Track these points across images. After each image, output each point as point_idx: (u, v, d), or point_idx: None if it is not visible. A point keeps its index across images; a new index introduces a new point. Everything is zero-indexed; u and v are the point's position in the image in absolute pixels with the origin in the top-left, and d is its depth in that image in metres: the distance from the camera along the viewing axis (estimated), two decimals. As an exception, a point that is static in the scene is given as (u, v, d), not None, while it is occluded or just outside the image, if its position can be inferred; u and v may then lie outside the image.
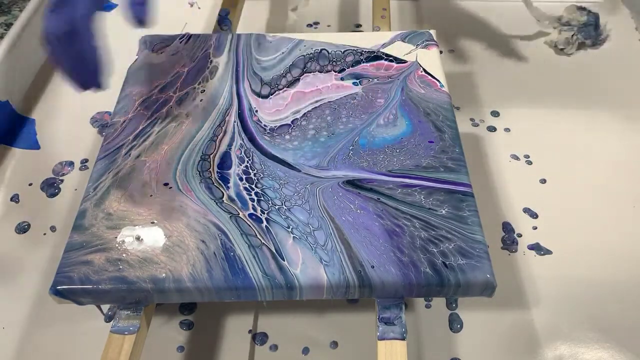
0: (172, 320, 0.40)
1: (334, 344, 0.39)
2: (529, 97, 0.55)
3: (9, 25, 0.64)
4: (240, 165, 0.37)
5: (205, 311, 0.41)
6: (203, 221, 0.34)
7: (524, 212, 0.46)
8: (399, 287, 0.32)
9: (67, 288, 0.31)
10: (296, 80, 0.43)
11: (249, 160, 0.37)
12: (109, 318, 0.40)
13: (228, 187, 0.36)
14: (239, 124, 0.40)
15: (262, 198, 0.35)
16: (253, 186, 0.36)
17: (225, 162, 0.37)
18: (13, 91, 0.54)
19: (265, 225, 0.34)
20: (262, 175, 0.36)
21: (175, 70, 0.43)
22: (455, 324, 0.40)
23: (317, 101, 0.41)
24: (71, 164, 0.50)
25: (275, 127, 0.40)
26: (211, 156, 0.38)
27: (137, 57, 0.45)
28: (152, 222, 0.34)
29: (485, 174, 0.48)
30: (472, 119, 0.53)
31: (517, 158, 0.50)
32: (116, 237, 0.33)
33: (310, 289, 0.32)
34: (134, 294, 0.32)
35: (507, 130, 0.52)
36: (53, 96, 0.57)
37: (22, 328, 0.40)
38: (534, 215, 0.45)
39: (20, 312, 0.41)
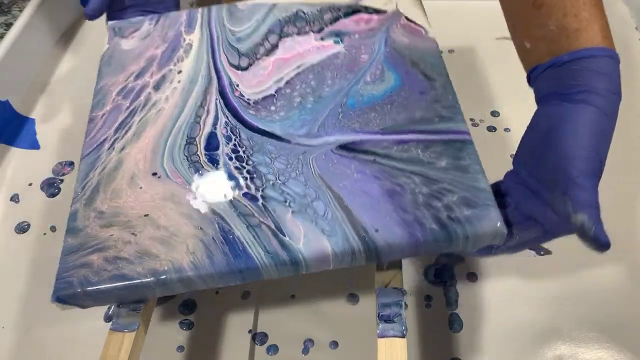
0: (172, 320, 0.40)
1: (334, 344, 0.39)
2: (529, 97, 0.55)
3: (9, 25, 0.64)
4: (228, 144, 0.36)
5: (205, 311, 0.41)
6: (200, 206, 0.33)
7: (524, 212, 0.46)
8: (406, 247, 0.31)
9: (68, 293, 0.31)
10: (275, 47, 0.41)
11: (236, 137, 0.36)
12: (108, 318, 0.40)
13: (218, 169, 0.35)
14: (220, 101, 0.38)
15: (254, 175, 0.34)
16: (244, 164, 0.35)
17: (212, 143, 0.36)
18: (13, 91, 0.54)
19: (262, 203, 0.33)
20: (251, 152, 0.35)
21: (148, 54, 0.41)
22: (455, 324, 0.39)
23: (299, 66, 0.39)
24: (71, 164, 0.50)
25: (258, 99, 0.38)
26: (197, 138, 0.36)
27: (108, 45, 0.43)
28: (146, 215, 0.33)
29: (485, 174, 0.48)
30: (472, 119, 0.53)
31: (517, 158, 0.50)
32: (111, 235, 0.32)
33: (316, 262, 0.31)
34: (137, 290, 0.31)
35: (507, 130, 0.52)
36: (53, 96, 0.57)
37: (22, 328, 0.40)
38: (534, 215, 0.45)
39: (20, 312, 0.41)
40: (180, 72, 0.40)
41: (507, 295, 0.41)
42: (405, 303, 0.34)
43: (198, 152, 0.35)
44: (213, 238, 0.32)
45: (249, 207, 0.33)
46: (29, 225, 0.46)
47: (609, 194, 0.47)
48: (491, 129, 0.52)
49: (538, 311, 0.40)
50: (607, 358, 0.38)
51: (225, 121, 0.37)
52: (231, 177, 0.34)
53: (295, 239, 0.31)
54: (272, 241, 0.31)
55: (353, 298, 0.41)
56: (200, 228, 0.32)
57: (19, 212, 0.47)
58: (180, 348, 0.39)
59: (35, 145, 0.52)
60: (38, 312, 0.41)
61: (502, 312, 0.40)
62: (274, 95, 0.38)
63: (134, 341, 0.32)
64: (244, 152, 0.35)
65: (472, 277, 0.42)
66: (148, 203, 0.34)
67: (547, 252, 0.43)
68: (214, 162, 0.35)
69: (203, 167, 0.35)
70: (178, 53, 0.41)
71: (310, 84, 0.38)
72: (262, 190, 0.33)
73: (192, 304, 0.41)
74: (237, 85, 0.39)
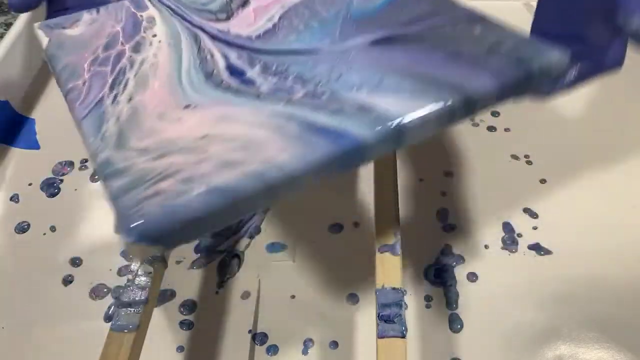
0: (172, 320, 0.40)
1: (334, 344, 0.39)
2: (528, 97, 0.55)
3: (8, 25, 0.64)
4: (254, 68, 0.31)
5: (205, 311, 0.41)
6: (262, 116, 0.28)
7: (524, 212, 0.46)
8: (495, 92, 0.29)
9: (153, 227, 0.23)
10: (246, 1, 0.38)
11: (259, 61, 0.31)
12: (108, 318, 0.40)
13: (259, 86, 0.30)
14: (219, 43, 0.34)
15: (303, 79, 0.30)
16: (284, 76, 0.30)
17: (235, 72, 0.31)
18: (13, 91, 0.54)
19: (329, 96, 0.28)
20: (285, 67, 0.31)
21: (107, 32, 0.36)
22: (455, 324, 0.39)
23: (282, 7, 0.37)
24: (71, 164, 0.50)
25: (260, 34, 0.34)
26: (215, 71, 0.31)
27: (48, 38, 0.37)
28: (204, 136, 0.27)
29: (486, 174, 0.48)
30: (472, 119, 0.53)
31: (517, 158, 0.50)
32: (173, 162, 0.26)
33: (418, 128, 0.27)
34: (238, 204, 0.25)
35: (507, 130, 0.52)
36: (53, 96, 0.57)
37: (22, 328, 0.40)
38: (534, 215, 0.45)
39: (20, 312, 0.41)
40: (155, 35, 0.35)
41: (507, 295, 0.41)
42: (405, 303, 0.34)
43: (226, 81, 0.30)
44: (299, 132, 0.26)
45: (317, 101, 0.28)
46: (29, 225, 0.46)
47: (609, 194, 0.47)
48: (491, 129, 0.52)
49: (538, 311, 0.40)
50: (607, 358, 0.38)
51: (237, 54, 0.32)
52: (279, 87, 0.29)
53: (387, 109, 0.27)
54: (364, 117, 0.27)
55: (353, 298, 0.41)
56: (279, 127, 0.27)
57: (18, 212, 0.47)
58: (180, 348, 0.39)
59: (35, 145, 0.52)
60: (38, 312, 0.41)
61: (502, 312, 0.40)
62: (273, 29, 0.35)
63: (134, 341, 0.31)
64: (276, 67, 0.31)
65: (472, 277, 0.42)
66: (198, 127, 0.28)
67: (547, 252, 0.43)
68: (250, 83, 0.30)
69: (240, 90, 0.30)
70: (142, 24, 0.36)
71: (305, 13, 0.36)
72: (322, 86, 0.29)
73: (192, 304, 0.41)
74: (228, 30, 0.35)
